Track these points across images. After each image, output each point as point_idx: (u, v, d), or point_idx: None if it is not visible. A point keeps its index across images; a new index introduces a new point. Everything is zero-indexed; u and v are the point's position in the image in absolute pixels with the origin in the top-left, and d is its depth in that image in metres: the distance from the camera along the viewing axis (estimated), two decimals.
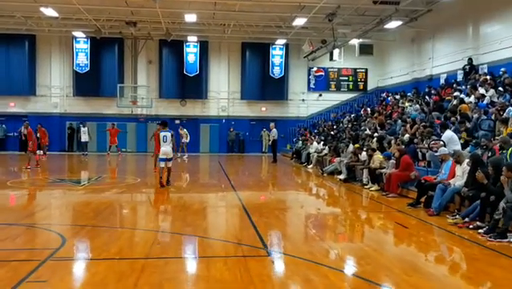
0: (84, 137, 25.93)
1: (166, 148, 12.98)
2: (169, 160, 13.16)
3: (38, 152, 19.74)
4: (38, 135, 21.72)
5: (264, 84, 29.32)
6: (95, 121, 27.83)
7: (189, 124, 28.30)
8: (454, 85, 18.50)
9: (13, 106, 28.00)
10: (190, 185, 15.15)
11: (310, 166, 20.12)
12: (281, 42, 28.39)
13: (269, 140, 23.65)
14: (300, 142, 24.61)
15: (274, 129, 23.20)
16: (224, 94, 29.74)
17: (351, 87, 30.75)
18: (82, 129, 26.10)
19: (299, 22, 22.59)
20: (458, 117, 13.51)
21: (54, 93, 28.43)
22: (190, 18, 22.52)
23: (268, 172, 20.30)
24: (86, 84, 27.98)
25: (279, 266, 6.27)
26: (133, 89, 28.21)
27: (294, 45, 29.00)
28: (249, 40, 28.18)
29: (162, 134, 13.06)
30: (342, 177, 15.54)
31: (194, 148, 28.31)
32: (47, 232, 7.89)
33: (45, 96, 28.38)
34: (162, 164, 13.14)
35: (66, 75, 28.46)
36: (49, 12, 21.58)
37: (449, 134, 11.98)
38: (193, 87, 28.81)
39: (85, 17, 22.81)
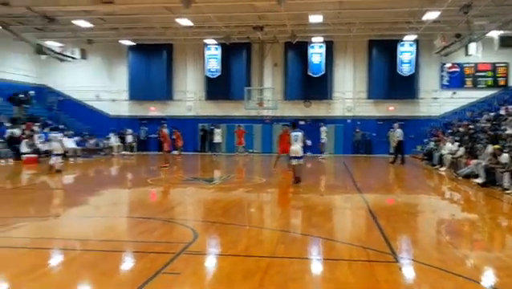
0: (217, 138, 27.39)
1: (296, 147, 13.72)
2: (300, 158, 13.82)
3: (174, 152, 21.37)
4: (173, 137, 23.46)
5: (392, 83, 28.14)
6: (225, 123, 29.17)
7: (314, 125, 28.25)
8: None
9: (153, 110, 30.62)
10: (315, 187, 15.10)
11: (443, 169, 18.79)
12: (410, 38, 26.97)
13: (393, 141, 22.58)
14: (432, 143, 23.12)
15: (399, 129, 22.12)
16: (349, 94, 29.18)
17: (489, 83, 28.07)
18: (216, 130, 27.60)
19: (431, 16, 21.24)
20: None
21: (189, 97, 30.46)
22: (315, 18, 22.50)
23: (396, 175, 19.42)
24: (216, 88, 29.51)
25: (408, 272, 5.93)
26: (259, 91, 29.04)
27: (425, 40, 27.34)
28: (375, 38, 27.29)
29: (293, 134, 13.84)
30: (479, 180, 14.23)
31: (318, 150, 28.20)
32: (181, 226, 8.43)
33: (180, 100, 30.53)
34: (294, 162, 13.90)
35: (198, 81, 30.32)
36: (184, 22, 23.23)
37: None
38: (317, 87, 28.75)
39: (216, 24, 24.06)
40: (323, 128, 26.07)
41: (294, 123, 14.86)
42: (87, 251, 6.68)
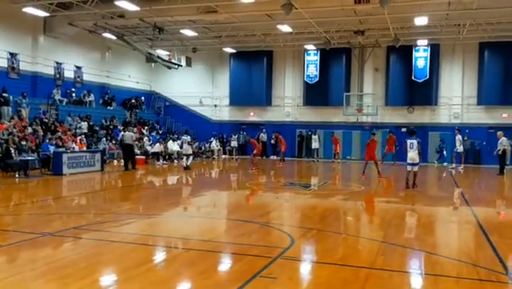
0: (315, 144, 27.35)
1: (412, 154, 14.39)
2: (415, 164, 14.44)
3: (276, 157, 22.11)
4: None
5: (506, 87, 25.94)
6: (323, 129, 28.91)
7: (417, 132, 26.89)
8: None
9: (252, 115, 31.28)
10: (418, 197, 14.35)
11: None
12: None
13: (498, 150, 20.68)
14: None
15: (504, 138, 20.26)
16: (457, 99, 27.42)
17: None
18: (313, 137, 27.60)
19: None
20: None
21: (287, 103, 30.67)
22: (421, 21, 21.51)
23: (508, 187, 17.81)
24: (315, 94, 29.38)
25: None
26: (359, 97, 28.40)
27: None
28: (488, 40, 25.39)
29: (409, 141, 14.50)
30: None
31: (423, 158, 26.80)
32: (278, 231, 8.45)
33: (279, 106, 30.85)
34: (409, 168, 14.56)
35: (297, 86, 30.42)
36: (284, 28, 23.49)
37: None
38: (421, 93, 27.42)
39: (316, 30, 23.99)
40: (458, 137, 23.23)
41: (411, 130, 15.45)
42: (188, 250, 6.94)
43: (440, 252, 7.22)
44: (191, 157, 20.87)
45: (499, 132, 21.08)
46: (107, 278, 5.76)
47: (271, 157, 29.30)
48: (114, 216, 9.74)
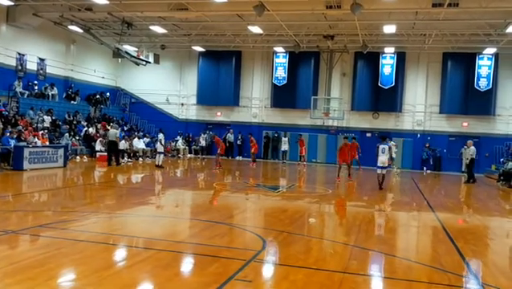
0: (284, 146, 27.53)
1: (382, 158, 15.56)
2: (384, 168, 15.80)
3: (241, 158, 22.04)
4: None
5: (467, 97, 26.86)
6: (289, 131, 29.08)
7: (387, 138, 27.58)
8: None
9: (219, 115, 31.11)
10: (383, 201, 14.62)
11: None
12: (490, 51, 25.66)
13: (467, 159, 21.52)
14: (510, 163, 21.76)
15: (472, 147, 21.03)
16: (420, 107, 28.16)
17: None
18: (283, 139, 27.78)
19: None
20: None
21: (254, 104, 30.66)
22: (389, 29, 21.98)
23: (469, 194, 18.43)
24: (282, 96, 29.50)
25: None
26: (326, 101, 28.70)
27: (506, 54, 25.94)
28: (451, 50, 26.22)
29: (381, 146, 15.62)
30: None
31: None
32: (249, 233, 8.40)
33: (246, 107, 30.80)
34: (379, 171, 15.83)
35: (265, 88, 30.46)
36: (255, 30, 23.48)
37: None
38: (386, 99, 28.00)
39: (286, 33, 24.09)
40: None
41: (383, 136, 16.86)
42: (161, 251, 6.79)
43: (410, 257, 7.36)
44: (162, 156, 21.09)
45: (469, 141, 21.78)
46: (77, 280, 5.55)
47: (237, 158, 29.26)
48: (80, 214, 9.43)
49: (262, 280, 5.72)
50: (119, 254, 6.78)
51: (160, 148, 21.23)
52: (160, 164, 20.62)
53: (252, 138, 24.97)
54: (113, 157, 20.44)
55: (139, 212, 10.43)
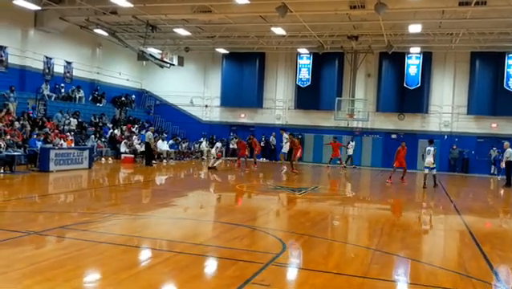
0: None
1: (429, 159, 17.28)
2: (431, 168, 17.39)
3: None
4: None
5: (496, 98, 26.19)
6: (313, 133, 28.88)
7: (407, 140, 27.07)
8: None
9: (243, 117, 31.13)
10: (406, 203, 14.33)
11: None
12: None
13: (503, 161, 20.85)
14: None
15: (510, 149, 20.38)
16: (447, 108, 27.58)
17: None
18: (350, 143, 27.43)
19: None
20: None
21: (278, 106, 30.59)
22: (414, 28, 21.60)
23: (500, 198, 17.90)
24: (306, 98, 29.35)
25: None
26: (351, 102, 28.42)
27: None
28: (479, 49, 25.59)
29: (427, 148, 17.48)
30: None
31: (412, 165, 26.97)
32: (269, 236, 8.31)
33: (270, 109, 30.75)
34: (426, 171, 17.56)
35: (289, 89, 30.37)
36: (278, 31, 23.40)
37: None
38: (412, 100, 27.54)
39: (309, 34, 23.95)
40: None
41: (430, 139, 18.51)
42: (179, 253, 6.78)
43: (433, 262, 7.14)
44: (219, 160, 22.33)
45: (506, 143, 21.12)
46: (96, 281, 5.58)
47: (261, 160, 29.19)
48: (102, 216, 9.52)
49: (279, 284, 5.63)
50: (139, 256, 6.79)
51: (213, 154, 22.11)
52: (213, 165, 21.34)
53: (255, 140, 24.52)
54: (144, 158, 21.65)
55: (159, 214, 10.46)
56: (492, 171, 25.88)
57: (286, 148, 24.89)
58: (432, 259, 7.40)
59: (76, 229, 8.01)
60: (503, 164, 20.85)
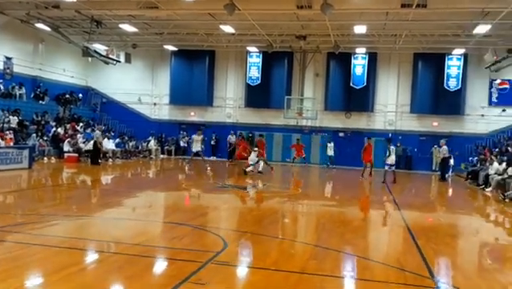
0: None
1: (391, 157, 18.98)
2: (392, 166, 19.09)
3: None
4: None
5: (437, 97, 27.28)
6: (263, 131, 29.00)
7: (354, 137, 27.87)
8: None
9: (193, 115, 30.86)
10: (350, 200, 14.67)
11: (489, 189, 17.89)
12: (459, 51, 26.11)
13: (438, 158, 21.91)
14: (478, 162, 22.16)
15: (445, 146, 21.34)
16: (391, 107, 28.47)
17: None
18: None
19: (481, 29, 20.48)
20: None
21: (228, 104, 30.53)
22: (360, 29, 22.11)
23: (438, 193, 18.69)
24: (256, 96, 29.43)
25: None
26: (299, 101, 28.78)
27: (474, 55, 26.43)
28: (422, 51, 26.55)
29: (391, 147, 19.26)
30: None
31: (357, 162, 27.70)
32: (211, 234, 8.26)
33: (220, 107, 30.64)
34: (387, 168, 19.16)
35: (239, 88, 30.36)
36: (227, 29, 23.32)
37: None
38: (358, 99, 28.22)
39: (259, 32, 24.02)
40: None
41: (388, 138, 20.25)
42: (115, 254, 6.62)
43: (370, 256, 7.35)
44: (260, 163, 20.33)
45: (442, 141, 22.11)
46: (27, 283, 5.33)
47: (211, 158, 29.08)
48: (39, 217, 9.14)
49: (217, 282, 5.59)
50: (72, 258, 6.55)
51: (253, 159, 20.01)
52: (259, 170, 20.02)
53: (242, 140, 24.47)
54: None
55: (99, 214, 10.18)
56: (433, 168, 26.93)
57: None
58: (369, 254, 7.62)
59: (9, 231, 7.66)
60: (439, 160, 21.90)
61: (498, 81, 27.01)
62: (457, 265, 7.31)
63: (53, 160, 21.90)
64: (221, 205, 12.39)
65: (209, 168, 22.80)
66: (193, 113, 30.83)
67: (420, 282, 6.00)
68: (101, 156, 21.91)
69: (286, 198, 14.17)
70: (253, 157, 19.84)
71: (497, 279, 6.37)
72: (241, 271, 6.34)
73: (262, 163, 20.39)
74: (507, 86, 27.07)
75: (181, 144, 29.64)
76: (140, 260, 6.35)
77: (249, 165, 19.67)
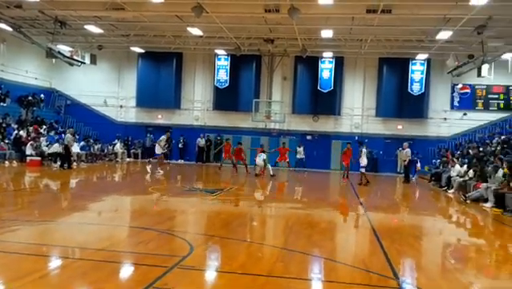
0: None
1: (363, 159, 19.59)
2: (364, 167, 19.83)
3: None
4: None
5: (401, 101, 27.94)
6: (231, 134, 28.96)
7: (321, 140, 28.23)
8: None
9: (160, 118, 30.53)
10: (318, 203, 14.81)
11: (451, 191, 18.43)
12: (422, 57, 26.82)
13: (404, 161, 22.42)
14: (440, 164, 22.78)
15: (408, 149, 21.87)
16: (358, 110, 28.95)
17: (501, 106, 27.86)
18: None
19: (444, 35, 21.11)
20: None
21: (196, 107, 30.38)
22: (326, 33, 22.41)
23: (402, 195, 19.10)
24: (224, 99, 29.40)
25: None
26: (268, 104, 28.91)
27: (437, 60, 27.20)
28: (386, 55, 27.12)
29: (364, 150, 19.99)
30: (488, 205, 13.90)
31: (325, 165, 28.07)
32: (177, 239, 8.18)
33: (188, 110, 30.44)
34: (363, 170, 19.85)
35: (207, 90, 30.25)
36: (195, 31, 23.21)
37: None
38: (326, 103, 28.58)
39: (227, 35, 24.02)
40: None
41: (360, 141, 20.81)
42: (79, 260, 6.46)
43: (336, 258, 7.44)
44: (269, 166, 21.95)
45: (405, 143, 22.58)
46: None
47: (179, 161, 28.85)
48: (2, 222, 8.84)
49: (182, 287, 5.54)
50: (34, 264, 6.35)
51: (260, 163, 21.64)
52: (272, 174, 21.58)
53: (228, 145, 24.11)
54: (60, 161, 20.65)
55: (63, 219, 9.92)
56: (398, 170, 27.46)
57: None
58: (336, 255, 7.71)
59: None
60: (405, 163, 22.35)
61: (460, 86, 27.87)
62: (421, 266, 7.48)
63: (14, 163, 21.28)
64: (188, 209, 12.30)
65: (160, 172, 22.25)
66: (160, 116, 30.52)
67: (384, 283, 6.10)
68: (71, 160, 21.32)
69: (254, 201, 14.17)
70: (259, 162, 21.37)
71: (459, 280, 6.54)
72: (208, 275, 6.30)
73: (270, 166, 21.91)
74: (468, 90, 27.97)
75: (147, 145, 29.15)
76: (104, 266, 6.23)
77: (261, 170, 21.50)
